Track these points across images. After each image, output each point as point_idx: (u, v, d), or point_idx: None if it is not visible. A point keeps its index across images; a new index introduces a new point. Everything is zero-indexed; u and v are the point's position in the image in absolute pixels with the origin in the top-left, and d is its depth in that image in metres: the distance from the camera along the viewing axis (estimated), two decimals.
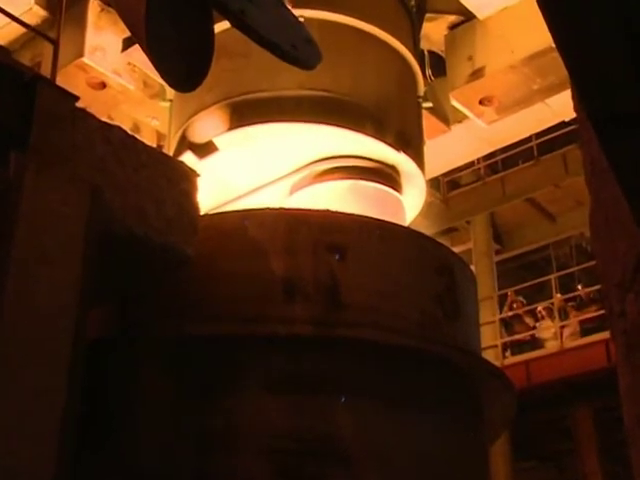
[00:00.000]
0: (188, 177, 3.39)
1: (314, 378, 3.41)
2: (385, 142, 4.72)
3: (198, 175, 3.46)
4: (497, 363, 9.77)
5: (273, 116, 4.55)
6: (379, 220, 3.84)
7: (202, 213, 3.48)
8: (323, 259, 3.56)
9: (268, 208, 3.80)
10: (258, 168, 4.74)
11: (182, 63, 3.17)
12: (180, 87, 3.47)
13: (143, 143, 3.35)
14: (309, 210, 3.87)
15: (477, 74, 5.99)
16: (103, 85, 6.00)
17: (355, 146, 4.68)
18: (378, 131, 4.70)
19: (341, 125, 4.58)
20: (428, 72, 6.02)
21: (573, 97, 1.77)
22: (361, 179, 4.71)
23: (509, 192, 12.60)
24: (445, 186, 12.91)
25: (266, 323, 3.41)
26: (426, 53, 6.07)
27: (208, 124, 4.66)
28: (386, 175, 4.79)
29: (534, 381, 10.10)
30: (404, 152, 4.81)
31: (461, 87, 6.03)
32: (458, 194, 12.95)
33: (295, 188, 4.74)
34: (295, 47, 3.15)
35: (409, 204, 5.04)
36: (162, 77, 3.27)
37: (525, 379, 9.99)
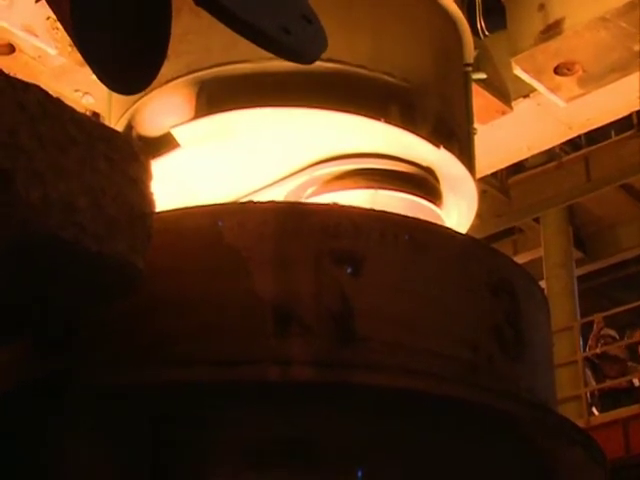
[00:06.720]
0: (137, 158, 3.40)
1: (318, 443, 3.43)
2: (418, 134, 4.76)
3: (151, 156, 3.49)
4: (580, 422, 9.78)
5: (258, 99, 4.56)
6: (409, 218, 3.87)
7: (157, 210, 3.45)
8: (329, 274, 3.57)
9: (251, 202, 3.83)
10: (236, 172, 4.76)
11: (122, 51, 3.11)
12: (117, 86, 3.40)
13: (72, 110, 3.35)
14: (309, 204, 3.94)
15: (552, 30, 5.98)
16: (11, 48, 6.02)
17: (375, 140, 4.72)
18: (408, 118, 4.74)
19: (355, 111, 4.60)
20: (481, 26, 6.00)
21: None
22: (383, 187, 4.75)
23: (596, 177, 12.61)
24: (504, 169, 12.91)
25: (250, 365, 3.41)
26: None
27: (165, 109, 4.68)
28: (419, 181, 4.83)
29: (636, 449, 10.08)
30: (445, 147, 4.85)
31: (529, 49, 6.03)
32: (522, 180, 12.97)
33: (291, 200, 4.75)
34: (287, 31, 3.12)
35: (453, 221, 5.07)
36: (92, 69, 3.21)
37: (622, 446, 9.98)
